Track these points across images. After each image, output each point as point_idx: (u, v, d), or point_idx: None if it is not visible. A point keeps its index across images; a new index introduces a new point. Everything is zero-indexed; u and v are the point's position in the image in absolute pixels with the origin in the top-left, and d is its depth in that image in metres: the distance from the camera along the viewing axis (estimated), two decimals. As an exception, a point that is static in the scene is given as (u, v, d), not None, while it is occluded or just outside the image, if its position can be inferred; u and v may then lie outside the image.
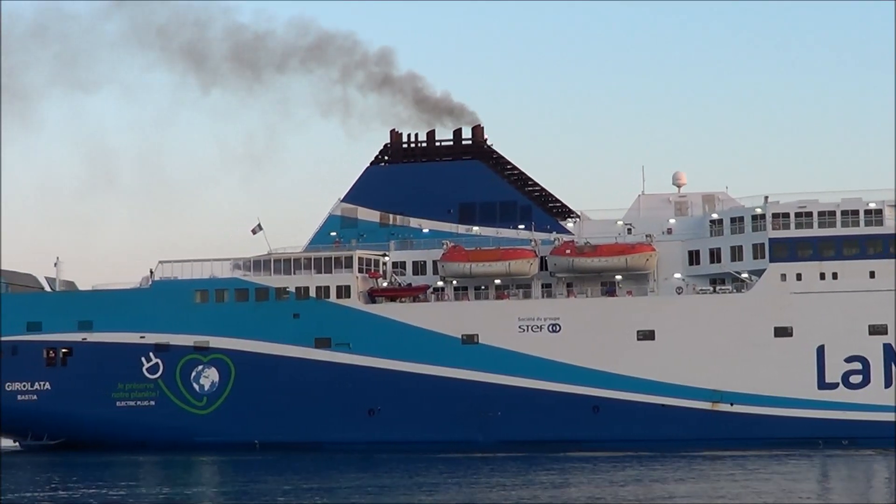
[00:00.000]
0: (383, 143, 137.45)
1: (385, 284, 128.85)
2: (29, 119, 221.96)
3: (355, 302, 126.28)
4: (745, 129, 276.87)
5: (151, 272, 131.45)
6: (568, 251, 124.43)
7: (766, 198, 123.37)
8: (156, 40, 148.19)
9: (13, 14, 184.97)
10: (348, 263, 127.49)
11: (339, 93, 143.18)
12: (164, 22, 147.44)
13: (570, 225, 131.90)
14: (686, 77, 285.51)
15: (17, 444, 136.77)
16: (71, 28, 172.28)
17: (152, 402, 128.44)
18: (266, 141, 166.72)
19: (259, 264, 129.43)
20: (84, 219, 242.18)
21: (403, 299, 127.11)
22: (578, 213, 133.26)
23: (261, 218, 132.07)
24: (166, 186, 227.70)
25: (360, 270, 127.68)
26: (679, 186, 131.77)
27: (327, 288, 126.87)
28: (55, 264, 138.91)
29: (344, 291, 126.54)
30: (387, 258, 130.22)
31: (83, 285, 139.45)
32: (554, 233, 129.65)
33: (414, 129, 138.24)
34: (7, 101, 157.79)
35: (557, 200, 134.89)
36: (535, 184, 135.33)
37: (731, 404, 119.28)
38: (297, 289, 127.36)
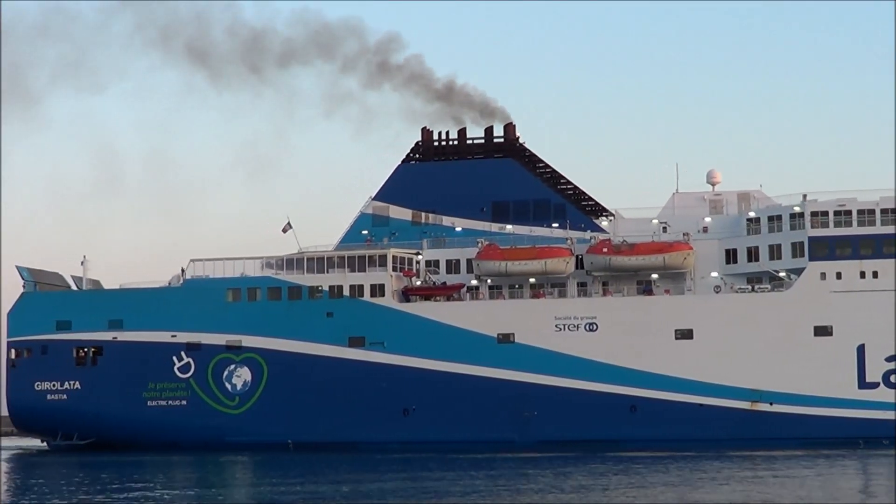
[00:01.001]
0: (414, 141, 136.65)
1: (418, 283, 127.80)
2: (36, 118, 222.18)
3: (390, 301, 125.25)
4: (779, 127, 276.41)
5: (183, 271, 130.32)
6: (605, 249, 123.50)
7: (805, 196, 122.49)
8: (159, 39, 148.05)
9: (18, 13, 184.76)
10: (382, 262, 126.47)
11: (359, 91, 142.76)
12: (167, 21, 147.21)
13: (604, 223, 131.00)
14: (718, 75, 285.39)
15: (44, 443, 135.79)
16: (75, 28, 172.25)
17: (184, 402, 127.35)
18: (275, 139, 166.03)
19: (291, 263, 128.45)
20: (93, 219, 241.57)
21: (438, 298, 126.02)
22: (612, 212, 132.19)
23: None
24: (175, 187, 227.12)
25: (395, 269, 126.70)
26: (713, 185, 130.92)
27: (361, 286, 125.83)
28: (82, 263, 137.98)
29: (378, 290, 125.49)
30: (420, 256, 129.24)
31: (107, 284, 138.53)
32: (588, 231, 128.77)
33: (442, 127, 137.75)
34: (13, 99, 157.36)
35: (591, 199, 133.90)
36: (568, 182, 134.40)
37: (771, 404, 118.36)
38: (331, 287, 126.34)
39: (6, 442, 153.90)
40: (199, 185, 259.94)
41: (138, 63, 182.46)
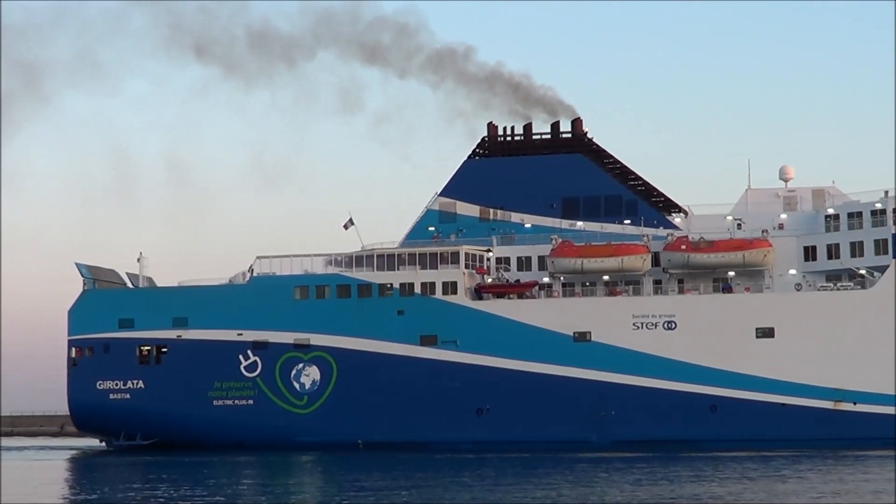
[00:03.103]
0: (481, 137, 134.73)
1: (490, 280, 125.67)
2: (52, 117, 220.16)
3: (462, 298, 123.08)
4: (852, 122, 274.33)
5: (251, 269, 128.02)
6: (683, 247, 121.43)
7: (886, 192, 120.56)
8: (178, 40, 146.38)
9: (28, 11, 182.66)
10: (454, 259, 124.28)
11: (419, 87, 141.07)
12: (195, 24, 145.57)
13: (677, 220, 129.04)
14: (789, 70, 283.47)
15: (103, 443, 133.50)
16: (86, 28, 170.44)
17: (250, 401, 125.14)
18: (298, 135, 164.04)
19: (360, 260, 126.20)
20: (112, 217, 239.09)
21: (511, 296, 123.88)
22: (685, 208, 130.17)
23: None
24: (192, 186, 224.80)
25: (467, 266, 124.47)
26: (786, 181, 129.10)
27: (433, 284, 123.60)
28: (138, 260, 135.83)
29: (450, 288, 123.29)
30: (491, 253, 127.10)
31: (160, 282, 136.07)
32: (661, 227, 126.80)
33: (507, 122, 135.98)
34: (29, 98, 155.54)
35: (661, 194, 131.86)
36: (638, 177, 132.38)
37: (855, 403, 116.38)
38: (402, 285, 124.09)
39: (64, 442, 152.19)
40: (216, 185, 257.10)
41: (161, 57, 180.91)
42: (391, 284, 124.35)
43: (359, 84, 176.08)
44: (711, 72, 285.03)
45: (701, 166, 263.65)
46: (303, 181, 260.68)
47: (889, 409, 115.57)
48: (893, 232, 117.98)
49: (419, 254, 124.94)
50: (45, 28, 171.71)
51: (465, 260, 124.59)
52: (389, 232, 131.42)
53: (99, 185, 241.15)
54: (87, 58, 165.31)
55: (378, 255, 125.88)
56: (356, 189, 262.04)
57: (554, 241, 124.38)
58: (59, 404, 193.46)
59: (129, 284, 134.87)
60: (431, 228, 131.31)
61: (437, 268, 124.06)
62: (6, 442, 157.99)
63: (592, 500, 68.25)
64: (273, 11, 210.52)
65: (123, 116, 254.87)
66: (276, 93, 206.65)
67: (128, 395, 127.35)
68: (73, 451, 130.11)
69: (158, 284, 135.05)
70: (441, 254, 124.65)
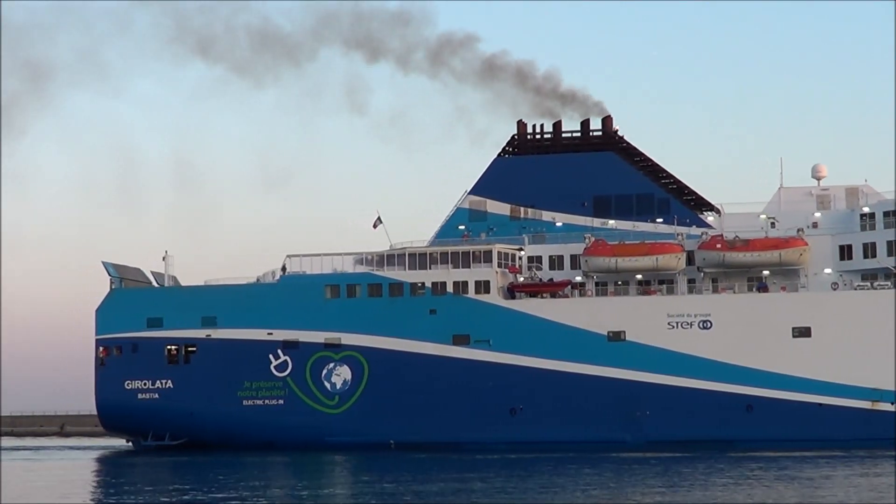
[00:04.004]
0: (510, 135, 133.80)
1: (522, 279, 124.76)
2: (58, 118, 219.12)
3: (495, 297, 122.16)
4: (883, 120, 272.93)
5: (284, 268, 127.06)
6: (718, 245, 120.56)
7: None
8: (182, 40, 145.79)
9: (31, 11, 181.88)
10: (487, 258, 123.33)
11: (448, 85, 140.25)
12: (199, 23, 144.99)
13: (709, 218, 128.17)
14: (820, 68, 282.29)
15: (129, 443, 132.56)
16: (89, 28, 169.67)
17: (281, 401, 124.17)
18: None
19: (392, 258, 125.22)
20: (120, 218, 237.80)
21: (544, 295, 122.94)
22: (718, 206, 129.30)
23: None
24: (200, 186, 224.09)
25: (499, 265, 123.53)
26: (818, 179, 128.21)
27: (465, 283, 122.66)
28: (164, 258, 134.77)
29: (483, 287, 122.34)
30: (523, 252, 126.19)
31: (185, 280, 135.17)
32: (693, 226, 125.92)
33: (535, 120, 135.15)
34: (35, 98, 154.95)
35: (693, 192, 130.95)
36: (669, 175, 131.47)
37: (892, 403, 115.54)
38: (433, 284, 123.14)
39: (90, 442, 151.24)
40: (222, 186, 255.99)
41: (166, 57, 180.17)
42: (423, 283, 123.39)
43: (366, 82, 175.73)
44: (741, 70, 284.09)
45: (731, 165, 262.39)
46: (310, 180, 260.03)
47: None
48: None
49: (451, 253, 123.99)
50: (49, 28, 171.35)
51: (498, 259, 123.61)
52: (415, 230, 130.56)
53: (106, 185, 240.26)
54: (91, 58, 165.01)
55: (410, 254, 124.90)
56: (363, 188, 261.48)
57: (587, 240, 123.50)
58: (59, 404, 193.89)
59: (155, 283, 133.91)
60: (462, 227, 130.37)
61: (469, 267, 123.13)
62: (25, 442, 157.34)
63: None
64: (277, 10, 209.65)
65: (129, 117, 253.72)
66: (283, 91, 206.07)
67: (156, 395, 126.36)
68: (100, 452, 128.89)
69: (182, 283, 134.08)
70: (473, 253, 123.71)
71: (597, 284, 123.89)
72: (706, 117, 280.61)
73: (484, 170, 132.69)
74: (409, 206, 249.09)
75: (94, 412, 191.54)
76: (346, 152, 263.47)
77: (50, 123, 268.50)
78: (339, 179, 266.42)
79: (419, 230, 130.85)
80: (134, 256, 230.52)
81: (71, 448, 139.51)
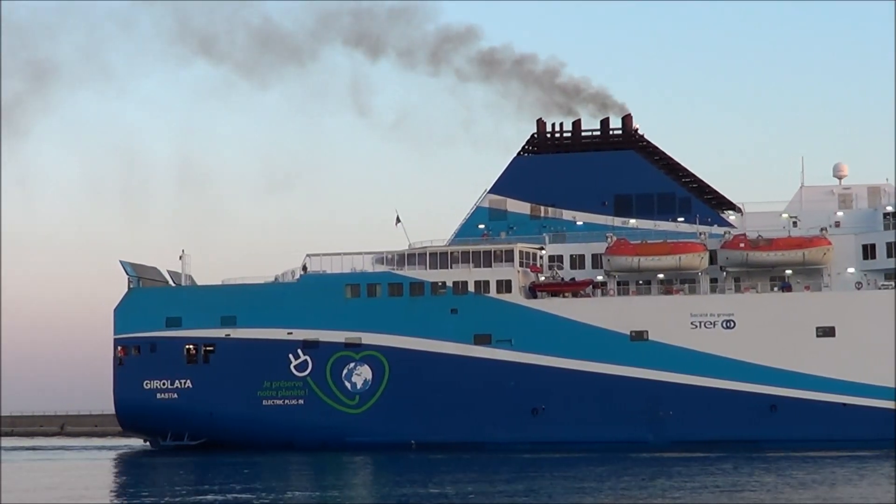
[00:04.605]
0: (530, 133, 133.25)
1: (543, 279, 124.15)
2: (62, 120, 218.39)
3: (517, 297, 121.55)
4: None
5: (305, 267, 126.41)
6: (742, 245, 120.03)
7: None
8: (185, 40, 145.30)
9: (34, 11, 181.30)
10: (509, 257, 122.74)
11: (464, 84, 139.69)
12: (202, 23, 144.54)
13: (731, 217, 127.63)
14: (841, 66, 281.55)
15: (147, 443, 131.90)
16: (93, 29, 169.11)
17: (301, 401, 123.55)
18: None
19: (413, 258, 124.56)
20: (126, 218, 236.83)
21: (566, 294, 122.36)
22: (739, 206, 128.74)
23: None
24: (206, 186, 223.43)
25: (521, 264, 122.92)
26: (840, 178, 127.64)
27: (486, 282, 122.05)
28: (180, 257, 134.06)
29: (504, 286, 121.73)
30: (544, 251, 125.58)
31: (200, 280, 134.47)
32: (715, 225, 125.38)
33: (554, 119, 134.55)
34: (38, 98, 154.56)
35: (714, 191, 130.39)
36: (690, 174, 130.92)
37: None
38: (455, 283, 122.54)
39: (109, 442, 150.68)
40: (227, 185, 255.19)
41: (170, 57, 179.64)
42: (444, 283, 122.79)
43: (371, 80, 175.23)
44: (761, 68, 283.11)
45: (751, 164, 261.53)
46: (315, 180, 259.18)
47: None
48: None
49: (473, 252, 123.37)
50: (53, 28, 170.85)
51: (520, 258, 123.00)
52: (429, 229, 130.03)
53: (111, 185, 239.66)
54: (95, 58, 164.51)
55: (431, 254, 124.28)
56: (369, 188, 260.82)
57: (609, 239, 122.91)
58: (59, 404, 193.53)
59: (171, 282, 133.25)
60: (482, 226, 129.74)
61: (490, 266, 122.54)
62: (36, 442, 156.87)
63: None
64: (279, 9, 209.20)
65: (133, 117, 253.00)
66: (287, 91, 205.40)
67: (175, 395, 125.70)
68: (118, 453, 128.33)
69: (197, 283, 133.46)
70: (495, 252, 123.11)
71: (618, 284, 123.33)
72: (725, 116, 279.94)
73: (503, 168, 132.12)
74: (419, 205, 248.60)
75: (94, 412, 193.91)
76: (351, 152, 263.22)
77: (54, 124, 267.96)
78: (343, 179, 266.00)
79: (433, 229, 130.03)
80: (135, 257, 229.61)
81: (86, 448, 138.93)
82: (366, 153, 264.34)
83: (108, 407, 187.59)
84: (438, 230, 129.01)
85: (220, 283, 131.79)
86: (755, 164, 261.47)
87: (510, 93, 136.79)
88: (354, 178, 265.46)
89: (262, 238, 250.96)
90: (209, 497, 73.11)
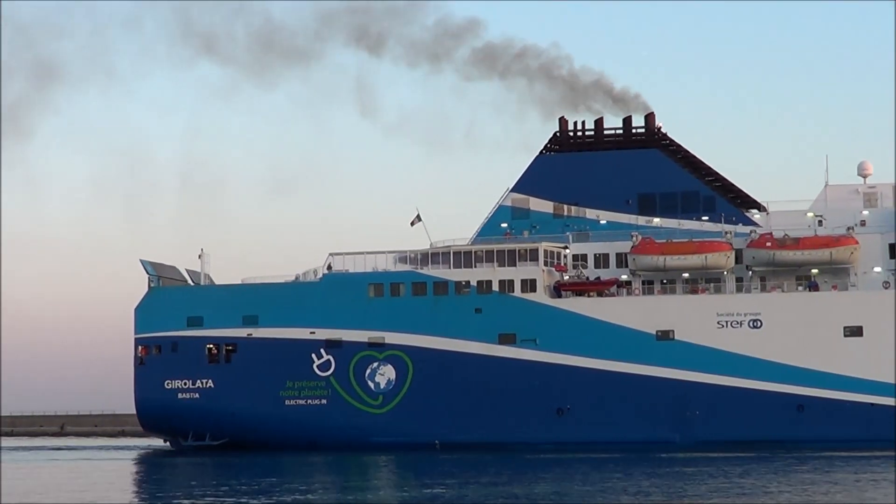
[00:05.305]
0: (552, 132, 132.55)
1: (568, 278, 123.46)
2: (65, 120, 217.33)
3: (542, 296, 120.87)
4: None
5: (329, 266, 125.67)
6: (768, 244, 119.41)
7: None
8: (189, 41, 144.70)
9: (41, 10, 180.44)
10: (533, 256, 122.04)
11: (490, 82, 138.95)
12: (206, 24, 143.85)
13: (756, 216, 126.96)
14: (865, 65, 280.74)
15: (167, 443, 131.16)
16: (98, 29, 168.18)
17: (324, 401, 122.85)
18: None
19: (436, 257, 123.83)
20: (131, 218, 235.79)
21: (591, 293, 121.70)
22: (764, 204, 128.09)
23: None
24: (211, 186, 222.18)
25: (545, 263, 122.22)
26: (864, 177, 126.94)
27: (511, 282, 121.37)
28: (199, 256, 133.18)
29: (529, 285, 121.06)
30: (567, 250, 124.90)
31: (218, 279, 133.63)
32: (740, 224, 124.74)
33: (576, 117, 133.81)
34: (42, 99, 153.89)
35: (738, 190, 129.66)
36: (713, 173, 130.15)
37: None
38: (479, 282, 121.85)
39: (128, 442, 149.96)
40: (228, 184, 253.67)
41: (175, 58, 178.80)
42: (468, 282, 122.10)
43: (376, 79, 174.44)
44: (785, 66, 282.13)
45: (774, 162, 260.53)
46: (321, 181, 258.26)
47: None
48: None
49: (497, 251, 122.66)
50: (58, 29, 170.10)
51: (544, 257, 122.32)
52: (448, 228, 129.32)
53: (116, 186, 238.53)
54: (100, 59, 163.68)
55: (454, 253, 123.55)
56: (378, 187, 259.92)
57: (634, 238, 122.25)
58: (59, 403, 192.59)
59: (190, 281, 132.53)
60: (504, 225, 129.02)
61: (515, 265, 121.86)
62: (48, 442, 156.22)
63: None
64: (280, 9, 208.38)
65: (139, 118, 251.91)
66: (292, 91, 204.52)
67: (197, 395, 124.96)
68: (138, 452, 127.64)
69: (216, 282, 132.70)
70: (519, 251, 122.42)
71: (643, 283, 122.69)
72: (748, 114, 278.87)
73: (525, 167, 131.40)
74: (423, 204, 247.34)
75: (94, 412, 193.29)
76: (358, 151, 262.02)
77: (59, 125, 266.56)
78: (350, 179, 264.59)
79: (449, 228, 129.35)
80: (139, 257, 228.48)
81: (104, 448, 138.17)
82: (372, 152, 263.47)
83: (108, 407, 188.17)
84: (455, 229, 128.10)
85: (239, 282, 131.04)
86: (778, 163, 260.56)
87: (526, 90, 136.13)
88: (361, 178, 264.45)
89: (267, 238, 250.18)
90: (244, 499, 72.41)
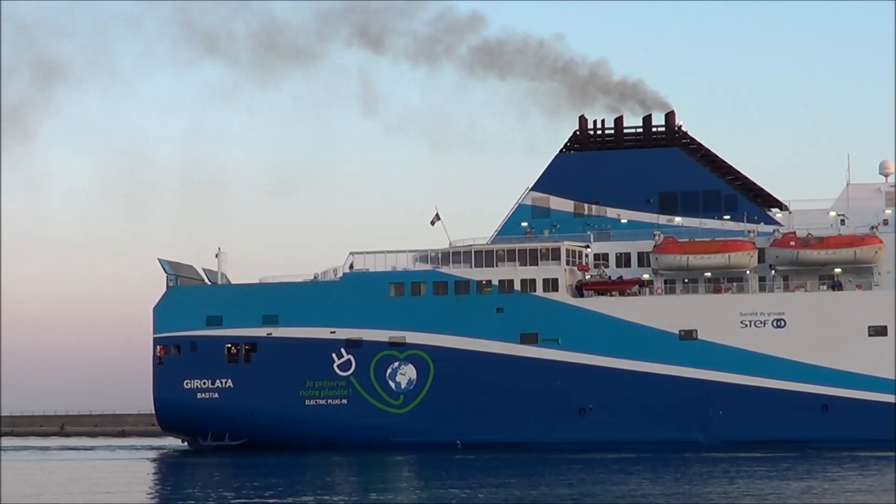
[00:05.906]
0: (572, 131, 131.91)
1: (590, 277, 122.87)
2: (67, 120, 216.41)
3: (564, 296, 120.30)
4: None
5: (351, 265, 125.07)
6: (792, 243, 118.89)
7: None
8: (191, 41, 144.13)
9: (42, 10, 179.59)
10: (555, 255, 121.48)
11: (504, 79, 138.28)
12: (208, 24, 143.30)
13: (778, 215, 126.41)
14: (886, 63, 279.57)
15: (184, 443, 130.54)
16: (99, 30, 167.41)
17: (344, 401, 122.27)
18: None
19: (457, 256, 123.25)
20: (133, 218, 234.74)
21: (613, 293, 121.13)
22: (786, 203, 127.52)
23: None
24: (214, 186, 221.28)
25: (567, 262, 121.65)
26: (886, 175, 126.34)
27: (533, 281, 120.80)
28: (216, 255, 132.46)
29: (551, 285, 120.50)
30: (589, 250, 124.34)
31: (234, 279, 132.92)
32: (762, 223, 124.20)
33: (596, 116, 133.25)
34: (43, 95, 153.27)
35: (760, 189, 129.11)
36: (734, 171, 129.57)
37: None
38: (500, 282, 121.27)
39: (144, 442, 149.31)
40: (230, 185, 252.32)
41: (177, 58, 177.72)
42: (489, 281, 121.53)
43: (381, 78, 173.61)
44: (805, 64, 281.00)
45: (795, 161, 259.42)
46: (324, 181, 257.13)
47: None
48: None
49: (518, 250, 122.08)
50: (59, 29, 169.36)
51: (566, 256, 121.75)
52: (465, 227, 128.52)
53: (119, 186, 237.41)
54: (102, 59, 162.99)
55: (476, 252, 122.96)
56: (377, 186, 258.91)
57: (656, 237, 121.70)
58: (59, 403, 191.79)
59: (207, 281, 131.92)
60: (524, 224, 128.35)
61: (536, 264, 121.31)
62: (63, 441, 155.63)
63: None
64: (281, 8, 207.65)
65: (141, 118, 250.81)
66: (295, 90, 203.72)
67: (216, 395, 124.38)
68: (156, 453, 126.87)
69: (232, 282, 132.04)
70: (541, 250, 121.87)
71: (665, 282, 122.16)
72: (768, 113, 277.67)
73: (546, 166, 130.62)
74: (441, 203, 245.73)
75: (94, 412, 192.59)
76: (361, 151, 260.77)
77: (61, 125, 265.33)
78: (352, 179, 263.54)
79: (461, 227, 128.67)
80: (140, 257, 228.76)
81: (121, 448, 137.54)
82: (374, 152, 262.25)
83: (109, 407, 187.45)
84: (465, 229, 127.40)
85: (256, 281, 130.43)
86: (799, 162, 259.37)
87: (548, 90, 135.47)
88: (363, 178, 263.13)
89: (269, 238, 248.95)
90: (271, 500, 71.94)
